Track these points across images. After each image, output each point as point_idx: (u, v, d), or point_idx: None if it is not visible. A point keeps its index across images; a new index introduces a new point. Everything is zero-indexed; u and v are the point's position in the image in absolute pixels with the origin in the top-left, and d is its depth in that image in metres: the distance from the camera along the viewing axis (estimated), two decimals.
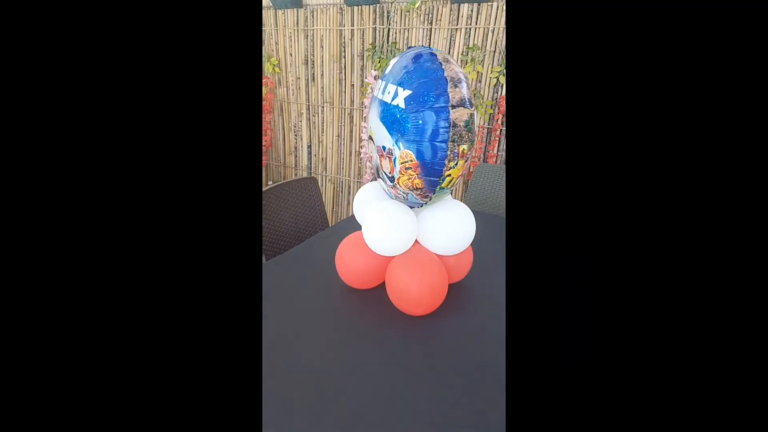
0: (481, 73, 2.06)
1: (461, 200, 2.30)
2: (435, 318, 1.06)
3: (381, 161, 1.00)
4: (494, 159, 2.15)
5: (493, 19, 1.96)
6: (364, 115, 2.43)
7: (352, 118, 2.56)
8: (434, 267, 1.05)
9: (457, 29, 2.06)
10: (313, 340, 0.96)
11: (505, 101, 1.96)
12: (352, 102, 2.51)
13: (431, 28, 2.10)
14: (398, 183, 0.98)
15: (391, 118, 0.92)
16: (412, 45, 2.17)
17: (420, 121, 0.88)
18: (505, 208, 1.84)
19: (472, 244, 1.18)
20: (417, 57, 0.93)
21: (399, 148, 0.92)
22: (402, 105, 0.89)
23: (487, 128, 2.15)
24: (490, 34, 1.99)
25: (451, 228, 1.06)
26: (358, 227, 1.26)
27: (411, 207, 1.08)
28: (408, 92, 0.89)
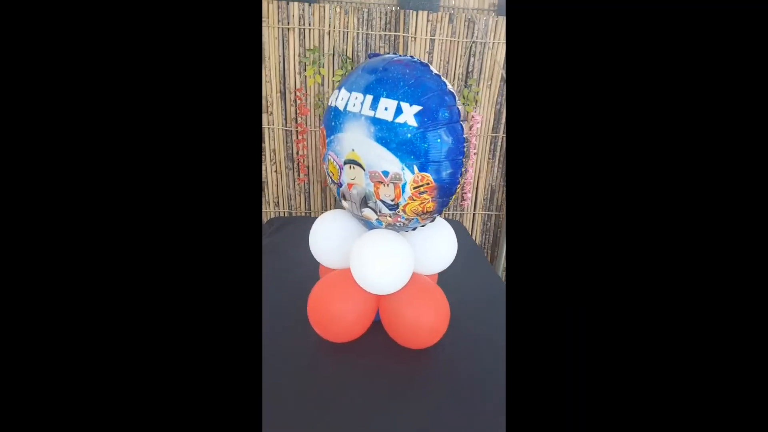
0: (325, 77, 1.97)
1: None
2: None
3: (377, 189, 0.85)
4: None
5: (328, 21, 1.89)
6: None
7: None
8: (435, 289, 0.98)
9: (289, 29, 1.89)
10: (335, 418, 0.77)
11: None
12: None
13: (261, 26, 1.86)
14: (403, 210, 0.86)
15: (398, 137, 0.79)
16: None
17: (439, 139, 0.80)
18: None
19: None
20: (404, 66, 0.82)
21: (413, 172, 0.81)
22: (413, 122, 0.78)
23: None
24: (326, 36, 1.92)
25: (440, 244, 1.01)
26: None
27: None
28: (417, 108, 0.78)
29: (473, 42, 1.97)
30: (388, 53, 1.11)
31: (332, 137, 0.89)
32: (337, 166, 0.90)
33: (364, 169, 0.85)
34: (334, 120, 0.88)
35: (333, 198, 2.18)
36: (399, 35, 1.93)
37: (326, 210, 2.20)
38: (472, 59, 1.99)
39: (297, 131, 2.06)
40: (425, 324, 0.94)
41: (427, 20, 1.91)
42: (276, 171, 2.13)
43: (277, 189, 2.18)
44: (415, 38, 1.92)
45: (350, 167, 0.88)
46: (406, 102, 0.79)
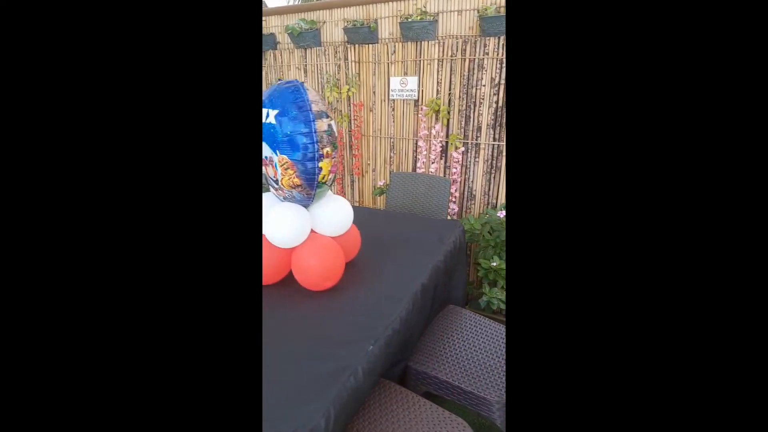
0: None
1: (384, 204, 2.50)
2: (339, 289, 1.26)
3: (266, 170, 1.24)
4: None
5: None
6: None
7: None
8: (332, 244, 1.27)
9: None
10: None
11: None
12: None
13: None
14: (282, 184, 1.21)
15: (266, 132, 1.18)
16: None
17: (289, 131, 1.14)
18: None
19: (362, 230, 1.45)
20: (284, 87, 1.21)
21: (276, 154, 1.17)
22: (273, 121, 1.16)
23: None
24: None
25: (336, 213, 1.31)
26: None
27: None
28: (275, 111, 1.16)
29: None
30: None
31: None
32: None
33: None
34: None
35: None
36: None
37: None
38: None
39: None
40: (317, 269, 1.23)
41: None
42: None
43: None
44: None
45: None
46: (269, 108, 1.17)
